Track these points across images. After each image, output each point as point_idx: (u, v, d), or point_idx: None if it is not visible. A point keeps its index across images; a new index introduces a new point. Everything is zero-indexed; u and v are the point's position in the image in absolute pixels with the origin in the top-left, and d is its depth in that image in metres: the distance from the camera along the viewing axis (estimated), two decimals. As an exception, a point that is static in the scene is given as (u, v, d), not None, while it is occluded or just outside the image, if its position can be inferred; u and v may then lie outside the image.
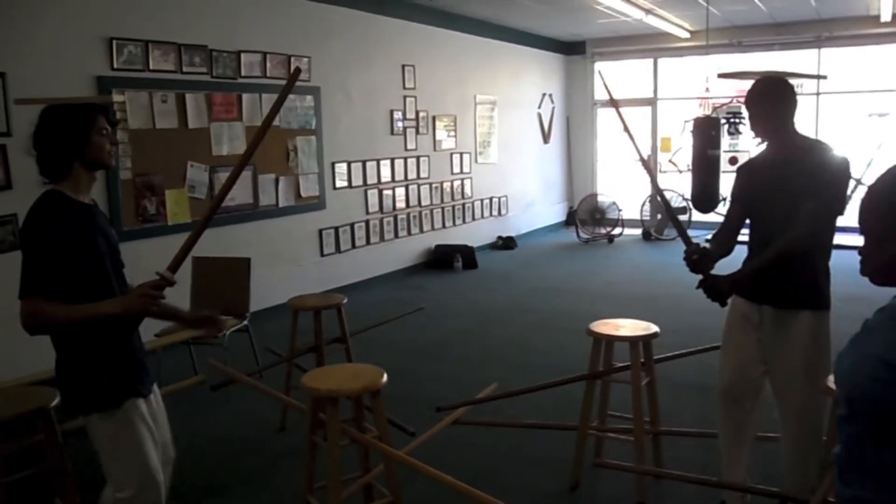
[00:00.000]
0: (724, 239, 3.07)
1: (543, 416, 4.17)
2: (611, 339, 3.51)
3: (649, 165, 3.38)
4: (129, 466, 2.44)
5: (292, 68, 7.07)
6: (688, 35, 10.81)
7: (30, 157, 5.20)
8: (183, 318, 2.94)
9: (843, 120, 11.74)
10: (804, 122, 10.93)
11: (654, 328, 3.47)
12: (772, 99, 2.90)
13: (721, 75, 9.06)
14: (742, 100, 4.93)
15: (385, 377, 2.86)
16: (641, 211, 11.56)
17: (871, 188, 1.44)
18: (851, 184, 10.71)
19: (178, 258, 2.41)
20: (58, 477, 2.79)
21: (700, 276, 2.92)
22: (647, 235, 11.26)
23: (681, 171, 12.05)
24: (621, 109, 3.54)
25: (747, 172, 3.11)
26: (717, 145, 9.21)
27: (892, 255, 1.41)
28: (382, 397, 2.89)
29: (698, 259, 2.90)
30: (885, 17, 9.46)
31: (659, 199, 4.32)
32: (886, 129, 11.17)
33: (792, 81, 3.07)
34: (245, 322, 5.13)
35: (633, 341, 3.40)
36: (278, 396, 3.60)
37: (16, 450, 2.79)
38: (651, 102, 12.16)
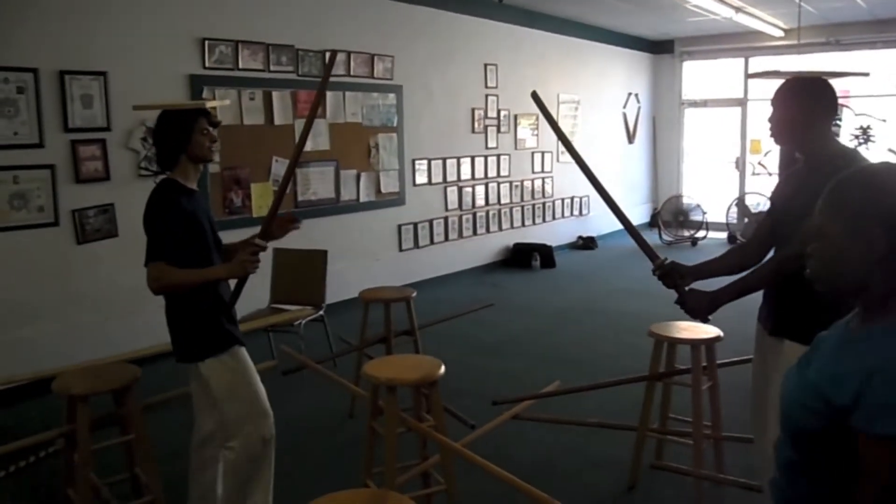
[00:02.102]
0: (749, 251, 2.84)
1: (604, 416, 4.18)
2: (672, 342, 3.51)
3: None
4: (244, 403, 2.90)
5: (376, 67, 7.28)
6: (781, 33, 10.48)
7: (127, 150, 5.56)
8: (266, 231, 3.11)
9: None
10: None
11: (718, 332, 3.44)
12: (797, 100, 2.57)
13: (751, 76, 8.69)
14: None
15: (442, 369, 2.96)
16: (728, 214, 11.29)
17: (837, 178, 1.37)
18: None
19: (265, 224, 2.96)
20: (138, 446, 3.00)
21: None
22: (732, 239, 10.99)
23: (770, 174, 11.71)
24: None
25: (784, 180, 2.80)
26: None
27: (824, 254, 1.35)
28: (446, 389, 2.98)
29: (661, 275, 2.77)
30: None
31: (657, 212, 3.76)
32: None
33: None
34: (321, 312, 5.32)
35: (694, 344, 3.39)
36: (343, 383, 3.74)
37: (104, 421, 3.01)
38: (741, 103, 11.84)
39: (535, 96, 3.02)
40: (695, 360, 3.39)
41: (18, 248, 4.88)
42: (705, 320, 2.75)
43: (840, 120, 9.87)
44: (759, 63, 11.68)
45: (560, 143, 3.11)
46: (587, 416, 4.15)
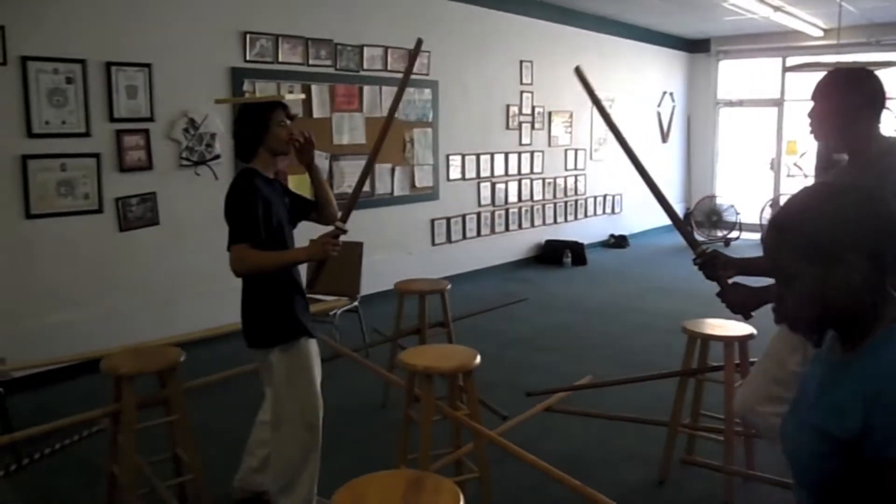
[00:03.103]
0: None
1: (637, 411, 4.21)
2: (706, 339, 3.53)
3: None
4: (298, 392, 3.01)
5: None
6: (820, 33, 10.36)
7: (169, 141, 5.69)
8: (314, 180, 3.31)
9: None
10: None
11: (752, 329, 3.45)
12: (839, 92, 2.43)
13: (789, 68, 8.56)
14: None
15: (478, 359, 3.01)
16: (762, 215, 11.19)
17: (773, 220, 1.28)
18: None
19: (347, 209, 3.07)
20: (180, 427, 3.10)
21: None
22: (766, 240, 10.90)
23: (806, 176, 11.59)
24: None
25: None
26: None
27: (802, 295, 1.24)
28: (480, 381, 3.04)
29: (701, 264, 2.55)
30: None
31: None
32: None
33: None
34: (356, 303, 5.40)
35: (727, 341, 3.41)
36: (380, 371, 3.81)
37: (148, 402, 3.11)
38: (778, 103, 11.73)
39: (578, 71, 2.93)
40: (727, 357, 3.40)
41: (64, 233, 5.03)
42: (747, 317, 2.51)
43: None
44: (797, 62, 11.55)
45: (604, 122, 3.04)
46: (618, 411, 4.18)
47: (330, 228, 3.10)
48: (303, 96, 6.19)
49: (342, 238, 3.05)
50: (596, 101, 2.96)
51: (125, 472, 2.97)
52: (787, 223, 1.24)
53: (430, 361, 2.99)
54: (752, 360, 3.55)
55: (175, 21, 5.50)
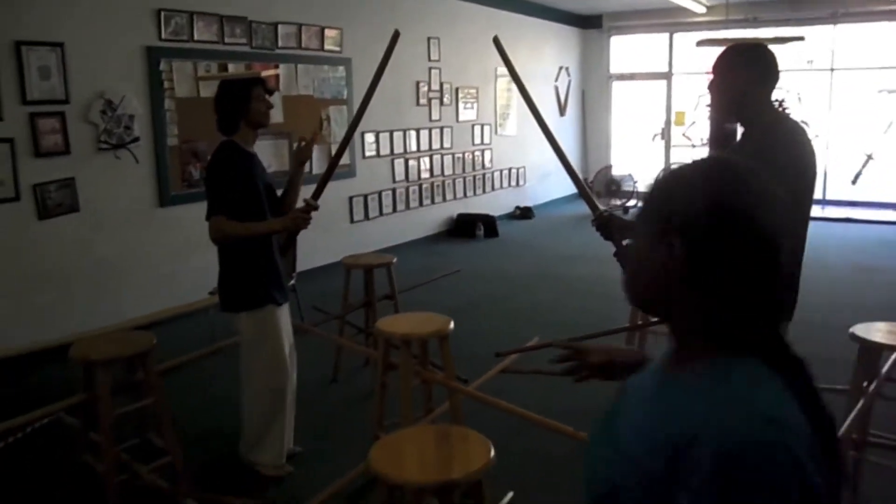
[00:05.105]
0: None
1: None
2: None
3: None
4: (264, 357, 3.19)
5: (325, 39, 7.31)
6: (703, 10, 10.97)
7: (86, 124, 5.46)
8: (296, 176, 3.54)
9: (856, 97, 11.91)
10: (818, 98, 11.16)
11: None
12: (734, 67, 2.47)
13: (700, 43, 9.15)
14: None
15: (452, 324, 3.14)
16: (656, 183, 11.78)
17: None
18: (862, 159, 11.06)
19: (319, 188, 3.32)
20: (159, 410, 3.08)
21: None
22: (661, 207, 11.49)
23: (694, 146, 12.28)
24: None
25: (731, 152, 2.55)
26: (734, 118, 9.40)
27: (630, 264, 1.10)
28: (430, 349, 3.20)
29: (598, 226, 2.75)
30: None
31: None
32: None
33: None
34: (293, 282, 5.40)
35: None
36: (349, 344, 3.89)
37: (121, 387, 3.07)
38: (666, 77, 12.35)
39: (496, 41, 3.25)
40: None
41: (-18, 223, 4.78)
42: None
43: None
44: (683, 38, 12.19)
45: (518, 91, 3.35)
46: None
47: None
48: (278, 72, 6.10)
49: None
50: (511, 70, 3.28)
51: (105, 460, 2.92)
52: (655, 181, 1.08)
53: (408, 328, 3.10)
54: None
55: (87, -2, 5.28)
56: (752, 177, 1.00)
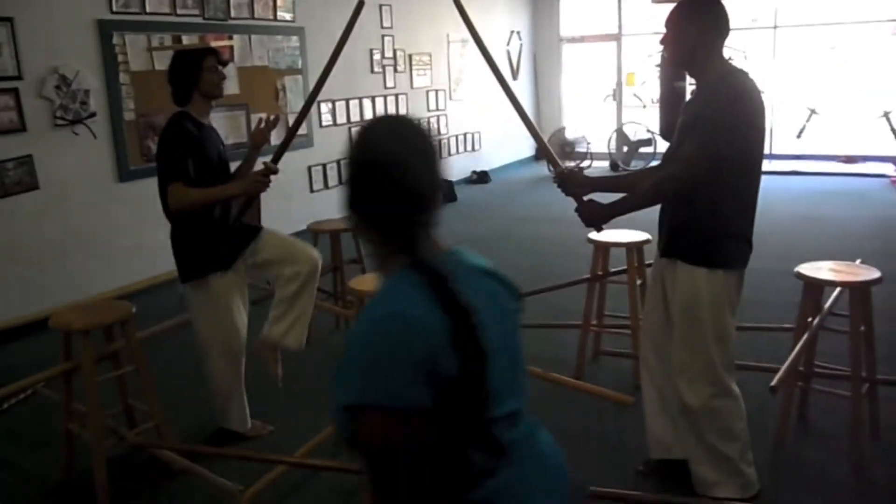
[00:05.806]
0: (652, 173, 2.80)
1: (548, 319, 4.64)
2: (608, 246, 3.96)
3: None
4: (213, 325, 3.25)
5: (278, 10, 7.29)
6: (651, -30, 11.13)
7: (41, 100, 5.42)
8: (251, 156, 3.55)
9: (799, 53, 12.26)
10: (762, 55, 11.45)
11: (647, 235, 3.91)
12: (685, 19, 2.53)
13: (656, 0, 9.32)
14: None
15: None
16: (609, 144, 12.00)
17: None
18: (806, 114, 11.42)
19: (278, 153, 3.37)
20: (143, 377, 3.15)
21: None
22: (614, 166, 11.73)
23: (645, 106, 12.52)
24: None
25: (685, 106, 2.66)
26: (683, 77, 9.61)
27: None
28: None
29: (560, 182, 2.84)
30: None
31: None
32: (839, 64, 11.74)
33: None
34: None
35: (629, 247, 3.86)
36: (326, 307, 3.98)
37: (102, 355, 3.13)
38: (616, 38, 12.50)
39: (456, 1, 3.34)
40: (629, 260, 3.86)
41: (-59, 204, 4.74)
42: (598, 230, 2.87)
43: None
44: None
45: (479, 50, 3.44)
46: (531, 320, 4.58)
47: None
48: (231, 43, 6.19)
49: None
50: (471, 29, 3.38)
51: (91, 427, 2.98)
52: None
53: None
54: (647, 262, 4.04)
55: (35, -28, 5.20)
56: (376, 132, 1.37)
